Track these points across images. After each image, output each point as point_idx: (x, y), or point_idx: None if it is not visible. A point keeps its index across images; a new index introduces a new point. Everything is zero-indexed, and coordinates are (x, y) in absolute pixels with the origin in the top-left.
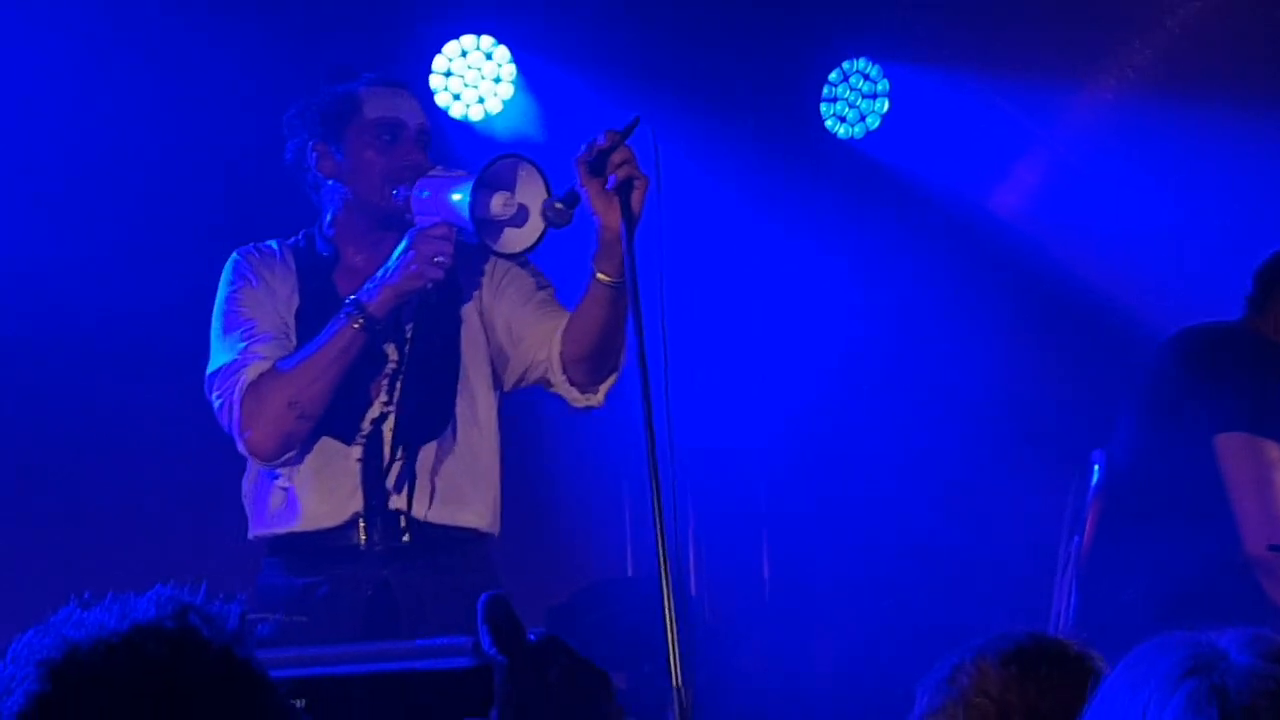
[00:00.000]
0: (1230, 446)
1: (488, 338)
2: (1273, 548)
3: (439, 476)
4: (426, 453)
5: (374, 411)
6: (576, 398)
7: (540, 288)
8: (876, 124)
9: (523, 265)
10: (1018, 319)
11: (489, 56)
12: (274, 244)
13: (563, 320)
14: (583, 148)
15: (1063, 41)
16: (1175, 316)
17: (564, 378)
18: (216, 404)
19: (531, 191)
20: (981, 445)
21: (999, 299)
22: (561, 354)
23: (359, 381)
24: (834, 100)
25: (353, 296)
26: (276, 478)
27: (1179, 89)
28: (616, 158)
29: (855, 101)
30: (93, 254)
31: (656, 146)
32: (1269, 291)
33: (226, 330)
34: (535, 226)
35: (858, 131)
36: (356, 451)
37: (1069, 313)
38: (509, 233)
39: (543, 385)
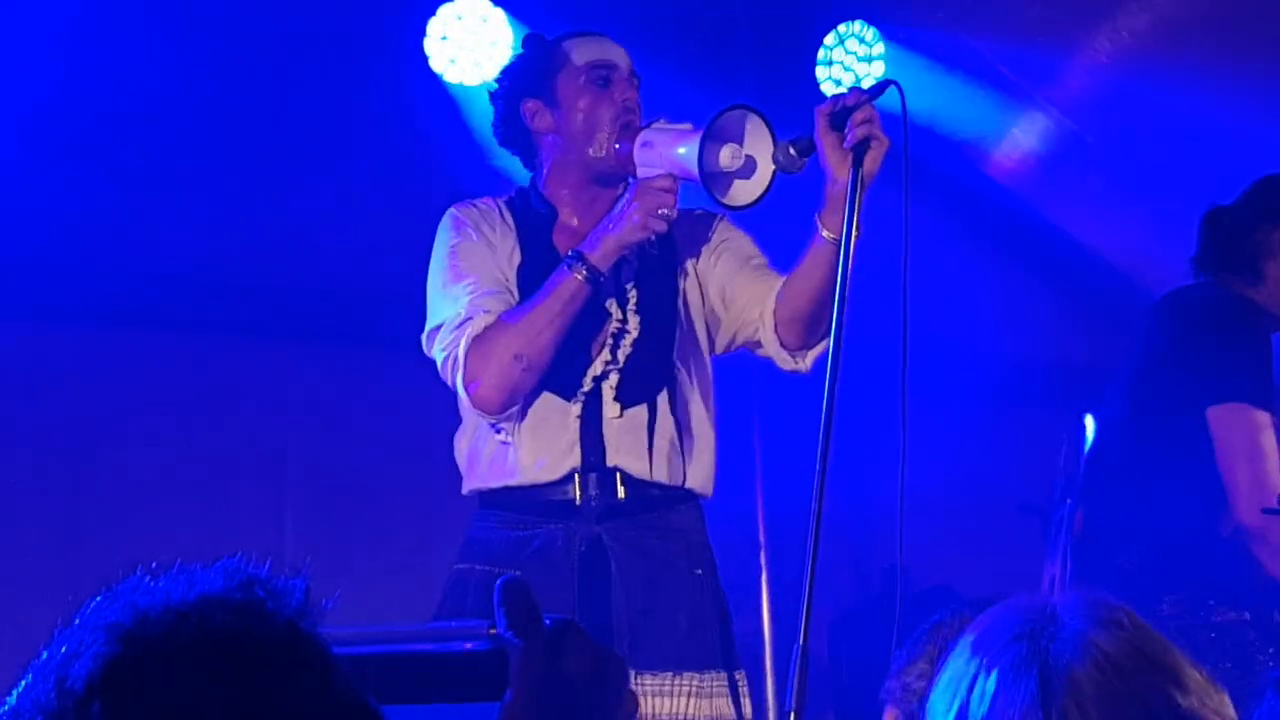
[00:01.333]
0: (1223, 416)
1: (703, 299)
2: (1268, 510)
3: (657, 436)
4: (646, 412)
5: (596, 369)
6: (785, 360)
7: (755, 254)
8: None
9: (739, 235)
10: (1012, 279)
11: (485, 20)
12: (490, 200)
13: (777, 283)
14: (828, 99)
15: (1058, 6)
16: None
17: (775, 337)
18: (440, 358)
19: (759, 143)
20: (978, 406)
21: (994, 260)
22: (775, 312)
23: (581, 338)
24: (830, 63)
25: (575, 249)
26: (498, 431)
27: (1174, 52)
28: (859, 115)
29: (851, 65)
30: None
31: (905, 109)
32: (1228, 259)
33: (448, 283)
34: (763, 178)
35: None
36: (576, 409)
37: (1064, 274)
38: (737, 185)
39: (751, 347)
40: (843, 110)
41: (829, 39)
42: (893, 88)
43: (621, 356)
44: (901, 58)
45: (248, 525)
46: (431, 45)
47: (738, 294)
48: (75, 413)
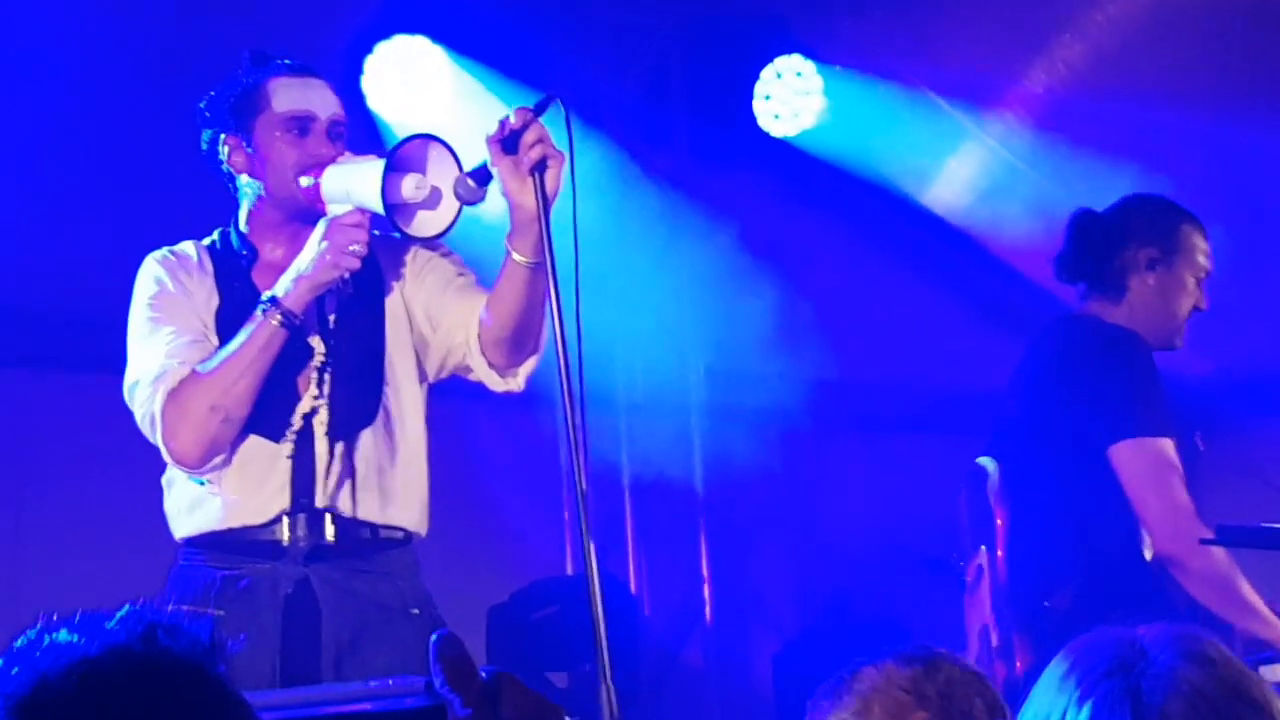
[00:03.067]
0: (1123, 452)
1: (410, 326)
2: (1205, 542)
3: (368, 471)
4: (356, 447)
5: (304, 406)
6: (496, 381)
7: (460, 274)
8: (812, 122)
9: (443, 254)
10: (957, 312)
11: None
12: (190, 244)
13: (481, 303)
14: (494, 126)
15: (995, 37)
16: None
17: (483, 359)
18: (139, 414)
19: (444, 172)
20: (923, 433)
21: (937, 293)
22: (480, 336)
23: (285, 377)
24: (768, 98)
25: (269, 293)
26: (202, 482)
27: (1110, 83)
28: (529, 137)
29: (789, 99)
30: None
31: (569, 123)
32: (1096, 269)
33: (144, 336)
34: (449, 208)
35: (792, 129)
36: (286, 449)
37: (1010, 305)
38: (422, 215)
39: (462, 372)
40: (512, 134)
41: (766, 73)
42: (556, 102)
43: (328, 391)
44: (839, 90)
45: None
46: (369, 83)
47: (443, 317)
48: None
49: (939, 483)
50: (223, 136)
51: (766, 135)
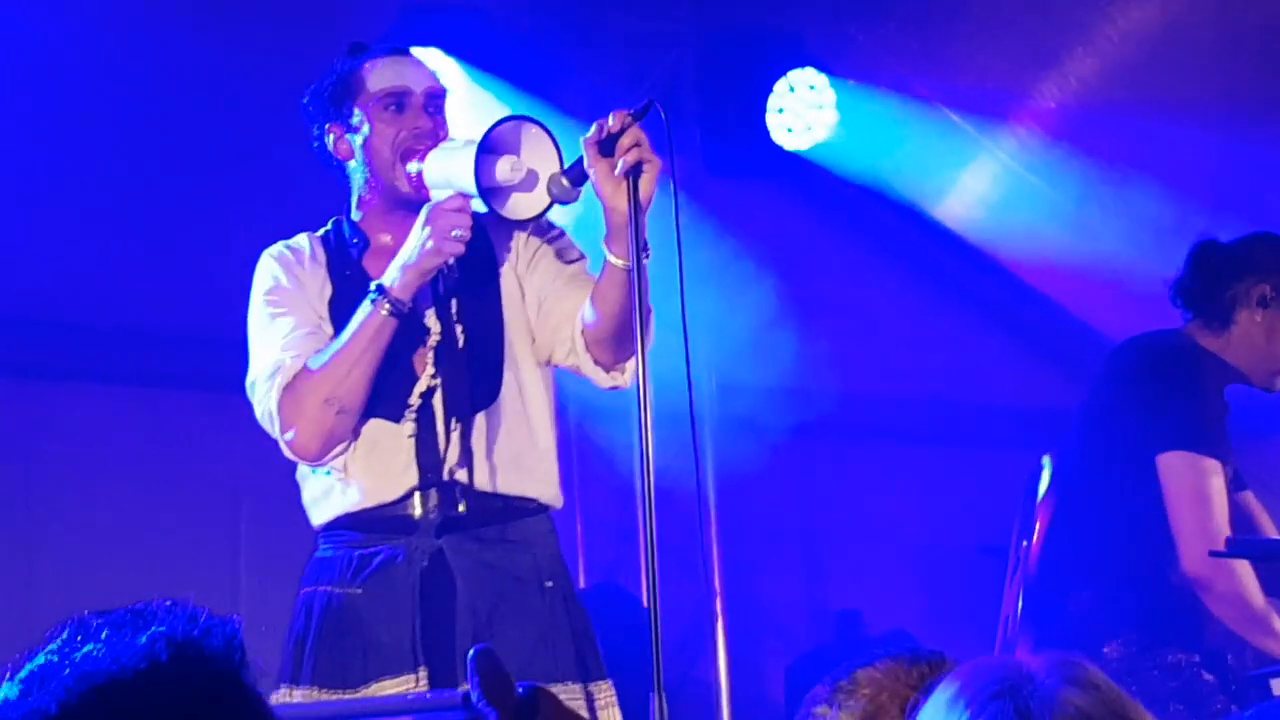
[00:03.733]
0: (1171, 465)
1: (526, 311)
2: (1215, 554)
3: (495, 446)
4: (480, 423)
5: (421, 385)
6: (603, 378)
7: (570, 260)
8: (824, 135)
9: (555, 236)
10: (969, 325)
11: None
12: (304, 236)
13: (587, 296)
14: (592, 128)
15: (1006, 52)
16: (1123, 320)
17: (588, 357)
18: (258, 411)
19: (540, 154)
20: (937, 446)
21: (949, 306)
22: (583, 333)
23: (402, 357)
24: (781, 111)
25: (377, 282)
26: (329, 473)
27: (1122, 97)
28: (626, 140)
29: (802, 112)
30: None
31: (670, 129)
32: (1206, 295)
33: (261, 331)
34: (545, 190)
35: (805, 142)
36: (408, 428)
37: (1020, 318)
38: (517, 198)
39: (570, 368)
40: (609, 137)
41: (779, 86)
42: (655, 106)
43: (447, 370)
44: (852, 104)
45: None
46: None
47: (551, 309)
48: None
49: (952, 494)
50: (326, 126)
51: (779, 148)
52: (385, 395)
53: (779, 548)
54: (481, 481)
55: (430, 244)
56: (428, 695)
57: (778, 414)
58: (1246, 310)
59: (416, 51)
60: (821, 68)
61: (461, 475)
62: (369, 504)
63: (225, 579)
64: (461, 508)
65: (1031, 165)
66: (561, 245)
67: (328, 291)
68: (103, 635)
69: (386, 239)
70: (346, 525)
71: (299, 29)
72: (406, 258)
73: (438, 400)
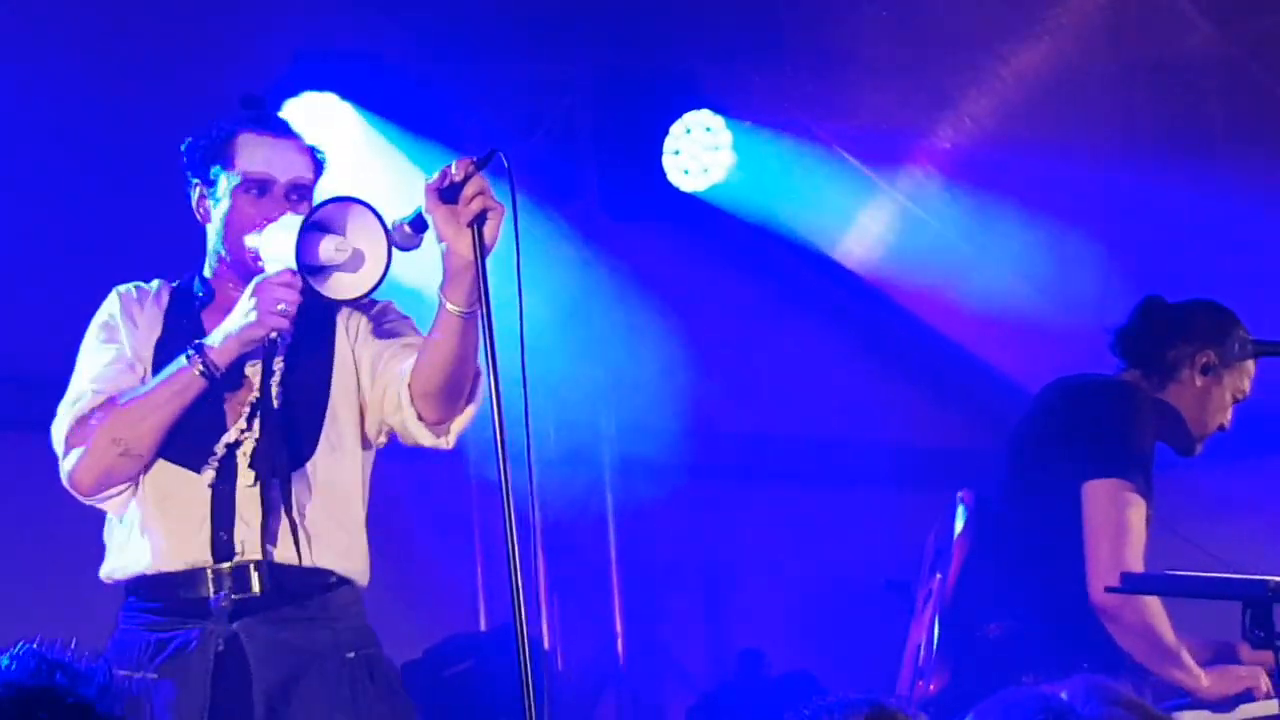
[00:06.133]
0: (1097, 492)
1: (358, 384)
2: (1110, 590)
3: (302, 513)
4: (284, 486)
5: (230, 436)
6: (426, 437)
7: (406, 334)
8: (721, 176)
9: (396, 315)
10: (866, 365)
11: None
12: (156, 282)
13: (405, 368)
14: (434, 174)
15: (901, 94)
16: (1022, 359)
17: (413, 412)
18: (53, 436)
19: (366, 234)
20: (835, 486)
21: (847, 346)
22: (411, 387)
23: (214, 408)
24: (678, 153)
25: (199, 340)
26: (123, 521)
27: (1016, 137)
28: (470, 189)
29: (698, 154)
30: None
31: (512, 175)
32: (1150, 350)
33: (79, 364)
34: (372, 271)
35: (701, 184)
36: (208, 477)
37: (920, 358)
38: (339, 277)
39: (395, 429)
40: (452, 185)
41: (676, 128)
42: (499, 155)
43: (258, 426)
44: (749, 145)
45: None
46: None
47: (383, 373)
48: None
49: (850, 533)
50: (194, 182)
51: (676, 190)
52: (188, 441)
53: (680, 588)
54: (282, 553)
55: (254, 315)
56: None
57: (678, 454)
58: (1189, 372)
59: (310, 99)
60: (718, 110)
61: (255, 547)
62: (164, 567)
63: None
64: (256, 587)
65: (928, 205)
66: (396, 320)
67: (156, 333)
68: None
69: (229, 298)
70: (142, 595)
71: (193, 72)
72: (230, 326)
73: (242, 454)
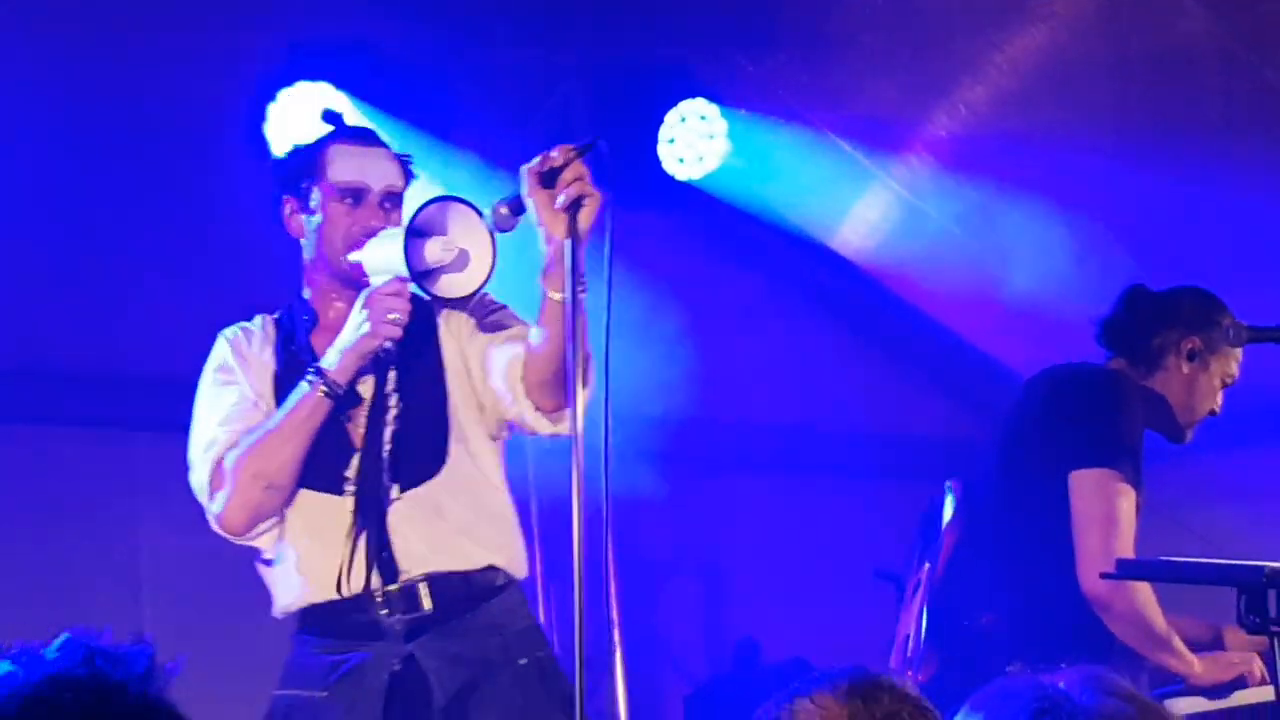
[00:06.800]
0: (1084, 482)
1: (469, 377)
2: (1105, 576)
3: (450, 517)
4: (427, 493)
5: (358, 456)
6: (544, 425)
7: (510, 326)
8: (716, 164)
9: (496, 308)
10: (862, 354)
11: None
12: (259, 319)
13: (523, 350)
14: (535, 159)
15: (897, 81)
16: (1018, 348)
17: (529, 404)
18: (193, 483)
19: (469, 230)
20: (832, 475)
21: (843, 335)
22: (524, 379)
23: (338, 427)
24: (672, 142)
25: (316, 364)
26: (272, 562)
27: (1012, 124)
28: (569, 174)
29: (693, 142)
30: None
31: (611, 163)
32: (1135, 339)
33: (201, 409)
34: (479, 268)
35: (696, 172)
36: (350, 499)
37: (916, 347)
38: (448, 278)
39: (514, 421)
40: (551, 170)
41: (670, 117)
42: (600, 143)
43: (388, 438)
44: (743, 134)
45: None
46: (272, 130)
47: (493, 369)
48: None
49: (847, 523)
50: (285, 198)
51: (671, 178)
52: (323, 466)
53: (676, 577)
54: (445, 560)
55: (367, 327)
56: None
57: (674, 444)
58: (1175, 359)
59: (304, 88)
60: (713, 98)
61: (418, 561)
62: (331, 595)
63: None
64: (427, 604)
65: (924, 194)
66: (495, 311)
67: (272, 368)
68: (14, 655)
69: (334, 315)
70: (315, 626)
71: (189, 62)
72: (345, 341)
73: (378, 471)
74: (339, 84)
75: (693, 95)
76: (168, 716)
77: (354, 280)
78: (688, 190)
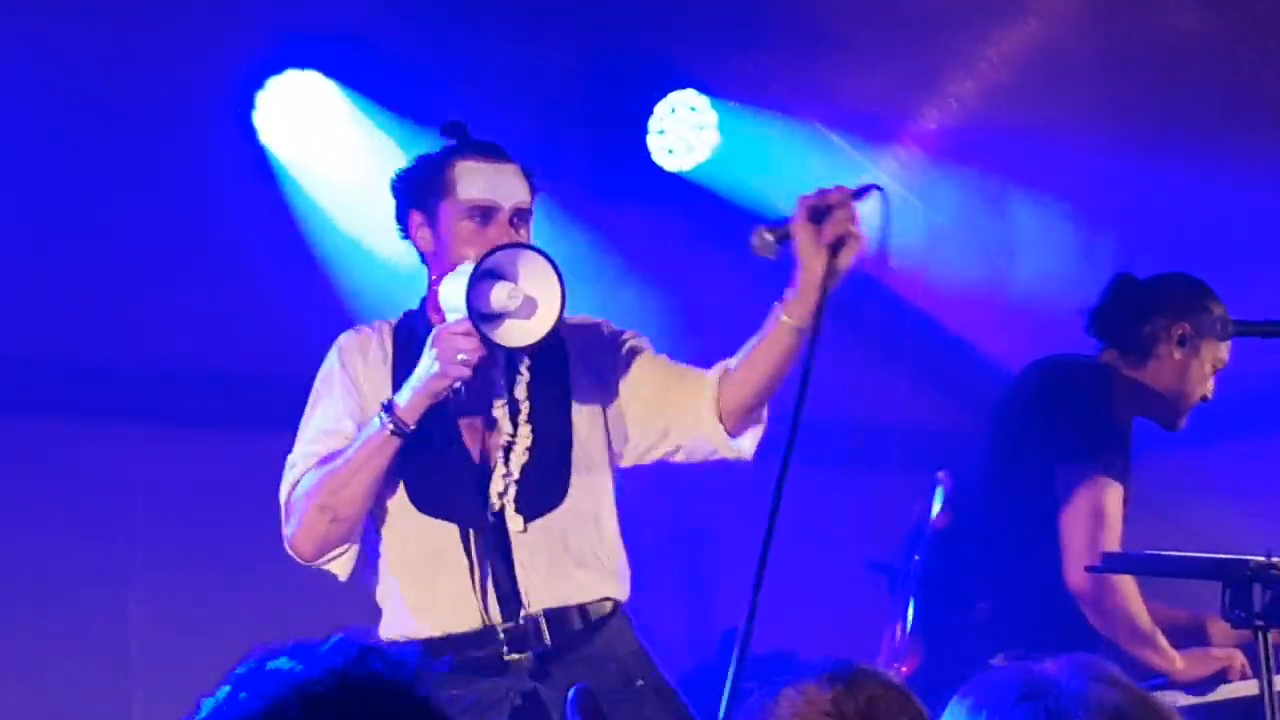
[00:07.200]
0: (1072, 478)
1: (604, 410)
2: (1090, 569)
3: (566, 548)
4: (548, 524)
5: (497, 485)
6: (728, 448)
7: (656, 353)
8: (706, 155)
9: (634, 335)
10: (851, 345)
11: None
12: (378, 326)
13: (705, 377)
14: (814, 190)
15: (887, 74)
16: (1007, 341)
17: (719, 427)
18: (280, 499)
19: (540, 282)
20: (820, 466)
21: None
22: (719, 400)
23: (463, 457)
24: (662, 133)
25: (389, 398)
26: (386, 576)
27: (1002, 118)
28: (841, 214)
29: (684, 134)
30: None
31: (889, 211)
32: (1125, 328)
33: (304, 421)
34: (545, 319)
35: (686, 163)
36: (471, 533)
37: (904, 339)
38: (511, 324)
39: (689, 445)
40: (825, 205)
41: (660, 108)
42: (877, 192)
43: (516, 469)
44: (733, 125)
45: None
46: (261, 118)
47: (661, 397)
48: None
49: (836, 514)
50: (411, 211)
51: (660, 170)
52: (452, 496)
53: (662, 566)
54: (566, 593)
55: (436, 368)
56: None
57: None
58: (1166, 346)
59: (293, 76)
60: (703, 89)
61: (540, 595)
62: (451, 629)
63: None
64: (549, 639)
65: (913, 186)
66: (643, 341)
67: (386, 381)
68: (291, 652)
69: None
70: (432, 657)
71: (176, 49)
72: (415, 380)
73: (508, 500)
74: (328, 72)
75: (683, 86)
76: (434, 714)
77: None
78: (678, 181)
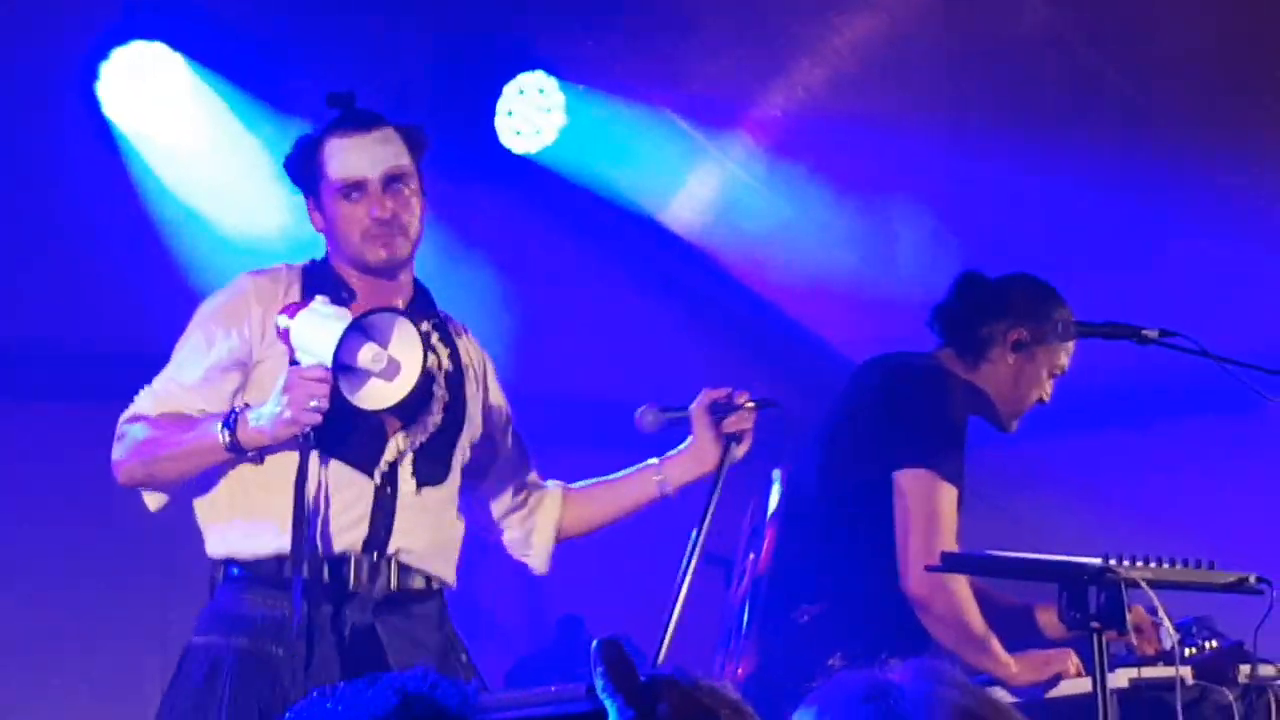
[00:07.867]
0: (908, 481)
1: (483, 431)
2: (930, 568)
3: (433, 525)
4: (426, 499)
5: (399, 445)
6: (542, 563)
7: (499, 394)
8: (552, 139)
9: (499, 391)
10: (693, 329)
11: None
12: (283, 271)
13: (546, 494)
14: (723, 390)
15: (735, 60)
16: (846, 329)
17: (552, 547)
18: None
19: (405, 347)
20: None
21: (673, 311)
22: (561, 521)
23: (377, 421)
24: (510, 114)
25: (236, 412)
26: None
27: (847, 107)
28: (745, 422)
29: (531, 115)
30: None
31: (791, 428)
32: (963, 328)
33: (176, 349)
34: (402, 386)
35: (533, 145)
36: (376, 480)
37: (745, 324)
38: (372, 385)
39: (507, 536)
40: (728, 406)
41: (509, 89)
42: (780, 410)
43: (419, 441)
44: (581, 108)
45: None
46: (105, 89)
47: (502, 474)
48: None
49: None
50: (307, 197)
51: (508, 152)
52: (361, 448)
53: (500, 553)
54: (416, 558)
55: (287, 414)
56: (551, 689)
57: None
58: (1000, 349)
59: (139, 48)
60: (551, 71)
61: (404, 544)
62: (321, 551)
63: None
64: (394, 584)
65: (757, 172)
66: (499, 394)
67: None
68: (336, 696)
69: (369, 301)
70: (266, 576)
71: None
72: (264, 419)
73: (405, 463)
74: (174, 44)
75: (532, 68)
76: None
77: (381, 272)
78: (524, 164)
